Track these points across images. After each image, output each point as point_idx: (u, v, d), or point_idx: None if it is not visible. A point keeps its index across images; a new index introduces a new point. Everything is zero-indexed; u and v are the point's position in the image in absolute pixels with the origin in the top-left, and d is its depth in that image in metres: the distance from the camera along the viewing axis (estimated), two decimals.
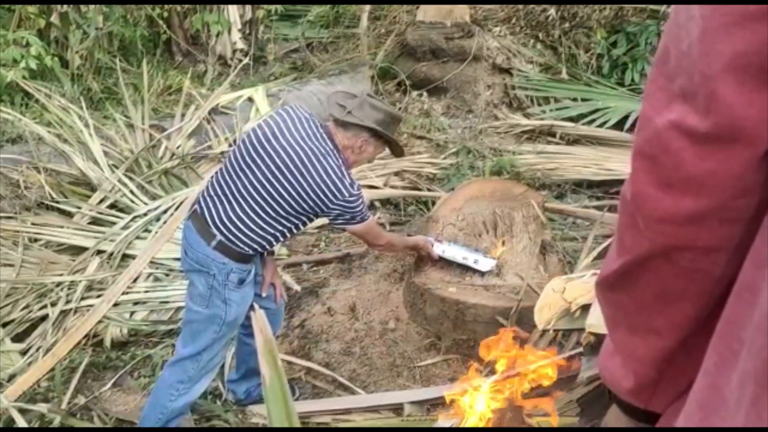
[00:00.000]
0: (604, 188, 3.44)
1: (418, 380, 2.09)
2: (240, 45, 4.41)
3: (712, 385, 0.51)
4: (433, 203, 2.89)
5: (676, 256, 0.54)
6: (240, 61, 4.33)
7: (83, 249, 2.53)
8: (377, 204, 3.09)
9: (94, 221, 2.65)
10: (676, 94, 0.50)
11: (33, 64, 3.46)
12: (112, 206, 2.76)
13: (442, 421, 1.65)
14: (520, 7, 4.62)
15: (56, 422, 1.91)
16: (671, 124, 0.50)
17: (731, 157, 0.48)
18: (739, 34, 0.45)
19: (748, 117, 0.46)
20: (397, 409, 1.99)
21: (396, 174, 3.33)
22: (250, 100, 3.51)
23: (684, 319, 0.57)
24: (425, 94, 4.24)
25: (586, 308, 1.48)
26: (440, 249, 2.15)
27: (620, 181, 3.32)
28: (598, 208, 3.11)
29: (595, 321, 1.30)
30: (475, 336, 2.06)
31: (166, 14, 4.33)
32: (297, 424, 0.56)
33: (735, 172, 0.49)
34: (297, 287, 2.48)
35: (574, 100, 4.27)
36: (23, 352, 2.20)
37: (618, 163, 3.50)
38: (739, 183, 0.49)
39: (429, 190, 3.26)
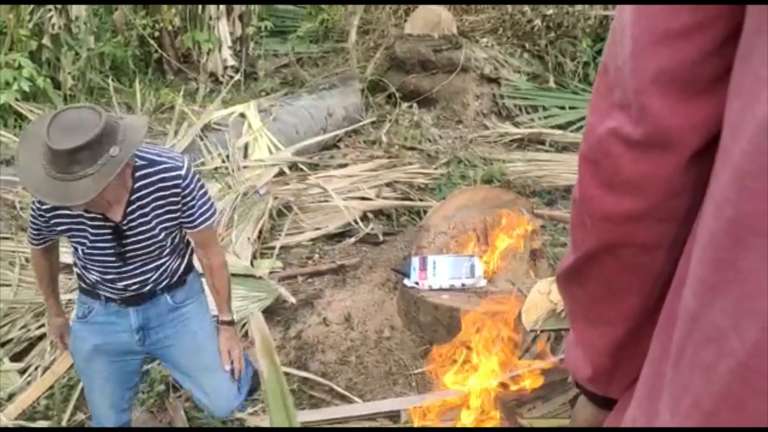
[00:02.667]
0: None
1: (414, 387, 2.12)
2: (231, 62, 4.46)
3: (657, 374, 0.55)
4: (425, 213, 2.93)
5: (619, 252, 0.59)
6: (231, 77, 4.38)
7: (69, 266, 2.54)
8: (370, 215, 3.13)
9: None
10: (614, 104, 0.55)
11: (26, 86, 3.49)
12: None
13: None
14: (507, 17, 4.69)
15: None
16: (610, 131, 0.55)
17: (661, 161, 0.53)
18: (663, 52, 0.50)
19: (673, 126, 0.51)
20: (393, 416, 2.01)
21: (388, 185, 3.37)
22: (242, 116, 3.56)
23: (632, 310, 0.62)
24: (415, 105, 4.29)
25: None
26: (426, 284, 2.20)
27: None
28: None
29: None
30: (469, 342, 2.09)
31: (157, 33, 4.37)
32: (294, 416, 0.60)
33: (665, 175, 0.54)
34: (292, 299, 2.51)
35: (562, 108, 4.34)
36: (22, 371, 2.21)
37: None
38: (669, 185, 0.54)
39: (421, 200, 3.30)
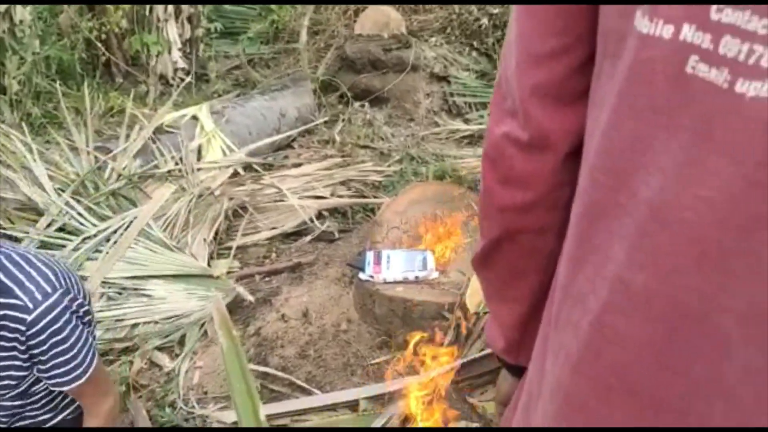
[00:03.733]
0: None
1: (372, 377, 2.19)
2: (181, 64, 4.45)
3: (544, 337, 0.66)
4: (380, 209, 3.00)
5: (518, 238, 0.71)
6: (182, 80, 4.36)
7: None
8: (325, 213, 3.19)
9: (43, 245, 2.66)
10: (506, 111, 0.66)
11: None
12: (60, 229, 2.77)
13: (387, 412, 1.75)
14: (454, 17, 4.80)
15: None
16: (504, 135, 0.66)
17: (545, 160, 0.64)
18: (538, 70, 0.62)
19: (551, 130, 0.63)
20: (353, 405, 2.08)
21: (342, 183, 3.43)
22: (195, 118, 3.56)
23: (532, 288, 0.73)
24: (367, 104, 4.36)
25: None
26: (381, 277, 2.27)
27: None
28: None
29: None
30: (424, 331, 2.18)
31: (104, 36, 4.33)
32: (252, 382, 0.66)
33: (548, 171, 0.65)
34: (250, 298, 2.55)
35: None
36: None
37: None
38: (552, 179, 0.65)
39: (375, 197, 3.37)
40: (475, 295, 1.66)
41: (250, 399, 0.75)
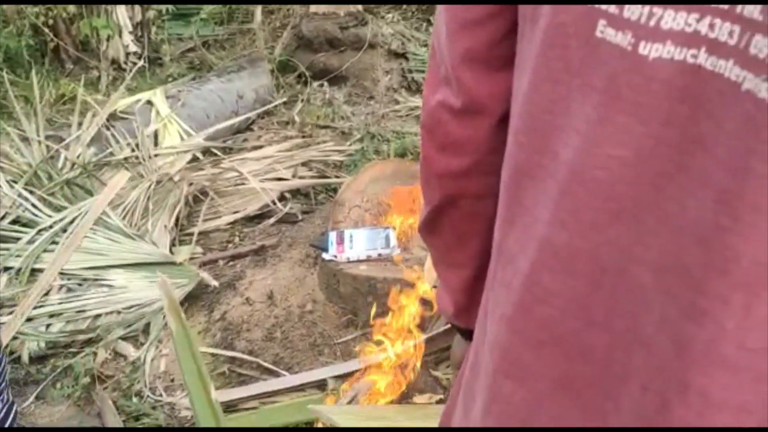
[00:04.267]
0: None
1: (339, 356, 2.20)
2: (133, 48, 4.34)
3: (486, 299, 0.69)
4: None
5: (459, 203, 0.73)
6: (134, 64, 4.26)
7: None
8: (288, 195, 3.17)
9: None
10: (440, 79, 0.68)
11: None
12: (14, 222, 2.70)
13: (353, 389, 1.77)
14: None
15: None
16: (439, 102, 0.68)
17: (479, 125, 0.66)
18: (466, 36, 0.63)
19: (482, 96, 0.64)
20: (321, 385, 2.09)
21: (304, 164, 3.41)
22: (149, 103, 3.49)
23: (476, 252, 0.75)
24: (326, 84, 4.32)
25: None
26: (344, 256, 2.27)
27: None
28: None
29: None
30: (390, 308, 2.20)
31: (51, 21, 4.19)
32: (203, 365, 0.66)
33: (483, 136, 0.67)
34: (215, 283, 2.53)
35: None
36: None
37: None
38: (487, 144, 0.67)
39: (337, 176, 3.36)
40: (432, 270, 1.67)
41: (201, 380, 0.75)
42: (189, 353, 0.58)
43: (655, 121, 0.49)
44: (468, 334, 0.81)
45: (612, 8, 0.50)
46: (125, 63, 4.32)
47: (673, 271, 0.50)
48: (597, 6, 0.51)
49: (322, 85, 4.31)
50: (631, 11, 0.49)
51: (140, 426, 2.03)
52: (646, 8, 0.48)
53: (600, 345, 0.54)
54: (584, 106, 0.52)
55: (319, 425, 1.60)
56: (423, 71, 4.51)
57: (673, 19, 0.47)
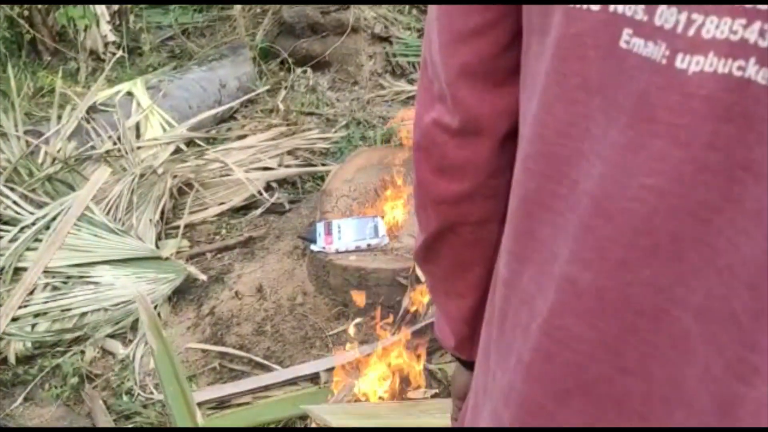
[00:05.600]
0: None
1: (331, 348, 2.19)
2: (111, 37, 4.25)
3: (488, 335, 0.63)
4: None
5: (458, 230, 0.66)
6: (113, 54, 4.18)
7: None
8: (274, 185, 3.13)
9: None
10: (434, 96, 0.61)
11: None
12: None
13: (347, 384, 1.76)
14: None
15: None
16: (434, 121, 0.61)
17: (479, 146, 0.60)
18: (463, 49, 0.57)
19: (482, 114, 0.58)
20: (313, 378, 2.08)
21: (289, 153, 3.37)
22: (130, 94, 3.43)
23: (479, 280, 0.68)
24: (309, 70, 4.27)
25: None
26: (333, 247, 2.25)
27: None
28: None
29: None
30: (380, 299, 2.18)
31: (26, 12, 4.09)
32: (185, 383, 0.64)
33: (483, 157, 0.60)
34: (203, 277, 2.50)
35: None
36: None
37: None
38: (488, 166, 0.61)
39: (323, 164, 3.32)
40: None
41: (186, 404, 0.73)
42: (172, 374, 0.56)
43: (696, 144, 0.42)
44: (470, 365, 0.75)
45: (639, 14, 0.43)
46: (104, 53, 4.23)
47: (719, 318, 0.44)
48: (620, 12, 0.44)
49: (305, 72, 4.25)
50: (665, 18, 0.42)
51: (131, 425, 2.00)
52: (683, 14, 0.41)
53: (637, 393, 0.49)
54: (609, 128, 0.46)
55: (313, 425, 1.58)
56: (407, 55, 4.46)
57: (716, 26, 0.41)
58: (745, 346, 0.43)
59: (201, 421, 0.86)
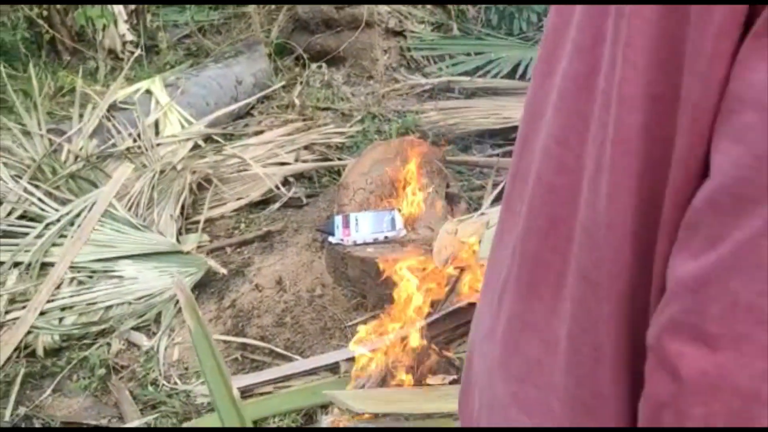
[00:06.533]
0: (503, 136, 3.63)
1: (350, 339, 2.22)
2: (129, 37, 4.31)
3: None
4: None
5: None
6: (132, 53, 4.23)
7: None
8: (291, 179, 3.17)
9: (5, 234, 2.61)
10: None
11: None
12: (21, 217, 2.71)
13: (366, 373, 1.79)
14: None
15: None
16: None
17: None
18: None
19: None
20: (333, 368, 2.12)
21: (305, 148, 3.41)
22: (149, 92, 3.48)
23: None
24: (324, 65, 4.30)
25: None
26: (350, 239, 2.28)
27: (517, 128, 3.53)
28: (503, 155, 3.32)
29: (486, 252, 1.47)
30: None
31: (45, 13, 4.16)
32: (221, 359, 0.67)
33: None
34: (223, 270, 2.55)
35: (468, 54, 4.44)
36: None
37: (513, 111, 3.69)
38: None
39: (339, 159, 3.35)
40: (442, 252, 1.69)
41: (221, 376, 0.76)
42: (209, 351, 0.59)
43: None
44: None
45: None
46: (122, 52, 4.30)
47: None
48: None
49: (320, 67, 4.28)
50: None
51: (157, 414, 2.06)
52: None
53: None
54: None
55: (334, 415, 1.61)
56: (421, 49, 4.48)
57: None
58: None
59: (237, 394, 0.90)
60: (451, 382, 1.73)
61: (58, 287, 2.41)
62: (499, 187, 2.58)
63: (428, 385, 1.75)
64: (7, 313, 2.32)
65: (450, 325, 1.97)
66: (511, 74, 4.19)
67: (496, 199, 2.48)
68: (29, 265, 2.48)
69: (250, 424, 0.93)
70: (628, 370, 0.47)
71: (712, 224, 0.38)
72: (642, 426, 0.42)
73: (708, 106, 0.39)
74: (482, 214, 1.78)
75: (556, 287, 0.51)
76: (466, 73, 4.27)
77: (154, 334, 2.36)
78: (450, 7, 4.67)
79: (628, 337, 0.46)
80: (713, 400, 0.37)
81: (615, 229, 0.45)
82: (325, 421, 1.56)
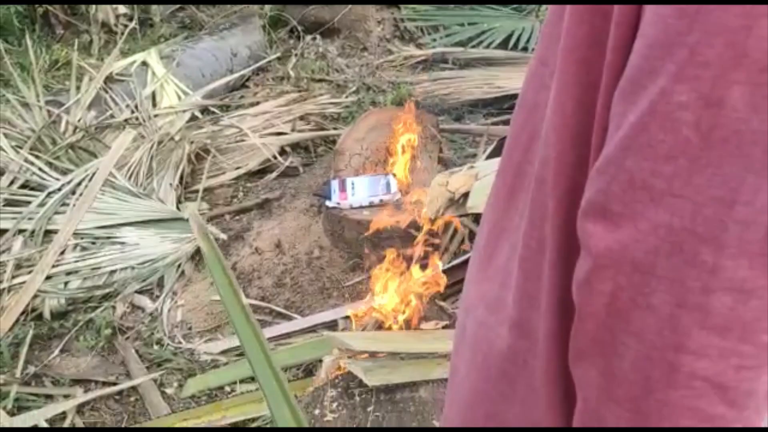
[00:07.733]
0: (496, 106, 3.68)
1: (348, 298, 2.30)
2: (123, 9, 4.31)
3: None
4: None
5: None
6: (126, 26, 4.24)
7: (3, 231, 2.55)
8: (288, 149, 3.22)
9: (9, 203, 2.66)
10: None
11: None
12: (23, 186, 2.76)
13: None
14: None
15: (12, 392, 2.00)
16: None
17: None
18: None
19: None
20: (332, 326, 2.20)
21: (301, 118, 3.45)
22: (145, 64, 3.51)
23: None
24: (319, 37, 4.32)
25: (466, 196, 1.72)
26: (347, 203, 2.34)
27: (510, 97, 3.58)
28: (494, 124, 3.37)
29: (475, 203, 1.54)
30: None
31: None
32: (236, 284, 0.74)
33: None
34: (223, 236, 2.61)
35: (461, 25, 4.46)
36: None
37: (505, 81, 3.74)
38: None
39: (335, 128, 3.40)
40: (434, 202, 1.75)
41: (236, 297, 0.82)
42: (225, 278, 0.64)
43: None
44: None
45: None
46: (115, 26, 4.30)
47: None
48: None
49: (314, 39, 4.30)
50: None
51: (163, 372, 2.13)
52: None
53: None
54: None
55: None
56: (415, 20, 4.50)
57: None
58: None
59: (259, 329, 0.95)
60: (444, 327, 1.81)
61: (62, 253, 2.47)
62: (491, 148, 2.63)
63: (422, 329, 1.83)
64: (13, 278, 2.37)
65: (456, 277, 2.02)
66: (503, 44, 4.23)
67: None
68: (33, 232, 2.54)
69: (279, 371, 0.98)
70: (566, 261, 0.51)
71: (618, 111, 0.43)
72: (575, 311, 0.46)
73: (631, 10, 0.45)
74: (471, 167, 1.84)
75: (528, 193, 0.56)
76: (459, 44, 4.30)
77: (157, 297, 2.43)
78: None
79: (568, 232, 0.50)
80: (618, 275, 0.41)
81: (559, 131, 0.50)
82: (327, 360, 1.63)
